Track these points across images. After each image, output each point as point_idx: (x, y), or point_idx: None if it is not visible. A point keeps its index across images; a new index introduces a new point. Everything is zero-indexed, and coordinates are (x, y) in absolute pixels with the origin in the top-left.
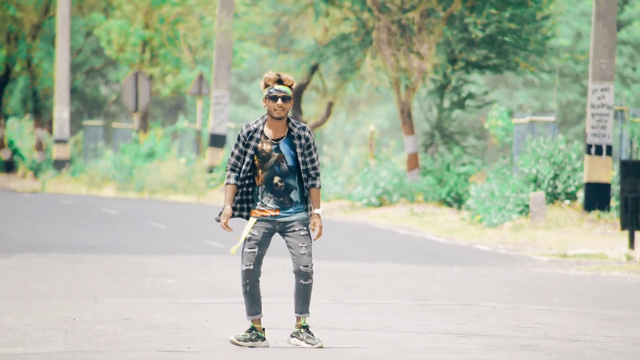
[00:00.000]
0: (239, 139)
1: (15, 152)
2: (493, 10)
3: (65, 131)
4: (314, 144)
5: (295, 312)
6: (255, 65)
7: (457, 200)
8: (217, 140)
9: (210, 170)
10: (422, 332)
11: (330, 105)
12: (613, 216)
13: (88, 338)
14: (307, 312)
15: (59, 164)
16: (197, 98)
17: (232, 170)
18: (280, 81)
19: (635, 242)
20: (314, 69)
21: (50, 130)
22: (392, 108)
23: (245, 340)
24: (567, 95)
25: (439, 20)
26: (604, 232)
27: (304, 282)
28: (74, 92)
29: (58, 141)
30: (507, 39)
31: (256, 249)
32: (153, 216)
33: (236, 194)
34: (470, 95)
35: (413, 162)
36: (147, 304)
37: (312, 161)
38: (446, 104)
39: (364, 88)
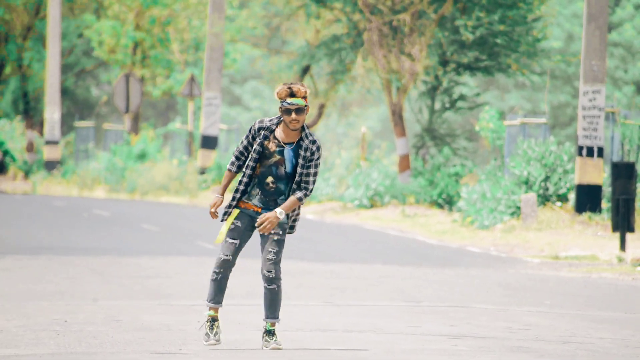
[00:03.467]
0: (249, 130)
1: (6, 153)
2: (483, 13)
3: (56, 132)
4: (317, 161)
5: (264, 317)
6: (247, 67)
7: (448, 202)
8: (209, 142)
9: (202, 172)
10: (414, 334)
11: (322, 106)
12: (604, 218)
13: (79, 340)
14: (274, 317)
15: (50, 165)
16: (188, 99)
17: (237, 158)
18: (292, 94)
19: (627, 244)
20: (305, 70)
21: (41, 132)
22: (384, 110)
23: (207, 335)
24: (558, 97)
25: (430, 22)
26: (596, 234)
27: (267, 287)
28: (65, 93)
29: (49, 142)
30: (498, 40)
31: (237, 241)
32: (145, 217)
33: (240, 185)
34: (462, 97)
35: (404, 163)
36: (138, 306)
37: (307, 175)
38: (437, 105)
39: (355, 90)
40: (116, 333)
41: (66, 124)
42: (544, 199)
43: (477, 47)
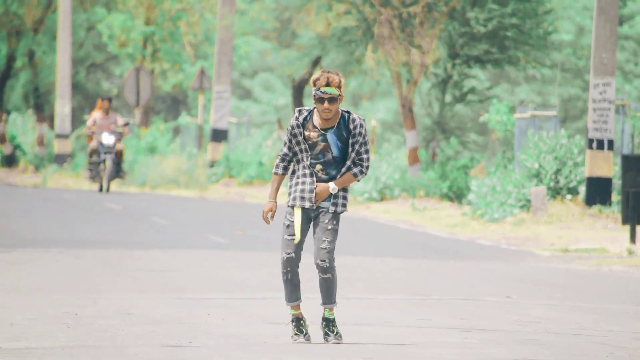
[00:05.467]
0: (287, 129)
1: (17, 147)
2: (495, 6)
3: (66, 126)
4: (364, 137)
5: (321, 303)
6: (257, 60)
7: (458, 195)
8: (219, 135)
9: (212, 165)
10: (423, 327)
11: None
12: (614, 211)
13: (90, 333)
14: (331, 302)
15: (61, 159)
16: (198, 93)
17: (282, 159)
18: (328, 83)
19: (637, 237)
20: (316, 63)
21: (52, 125)
22: (394, 103)
23: (298, 334)
24: (568, 90)
25: (440, 15)
26: (606, 227)
27: (321, 276)
28: (76, 87)
29: (59, 136)
30: (508, 33)
31: (295, 236)
32: (155, 211)
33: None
34: (472, 90)
35: (414, 157)
36: (149, 299)
37: (359, 153)
38: (447, 99)
39: (365, 82)
40: (127, 326)
41: (77, 118)
42: (554, 192)
43: (487, 40)
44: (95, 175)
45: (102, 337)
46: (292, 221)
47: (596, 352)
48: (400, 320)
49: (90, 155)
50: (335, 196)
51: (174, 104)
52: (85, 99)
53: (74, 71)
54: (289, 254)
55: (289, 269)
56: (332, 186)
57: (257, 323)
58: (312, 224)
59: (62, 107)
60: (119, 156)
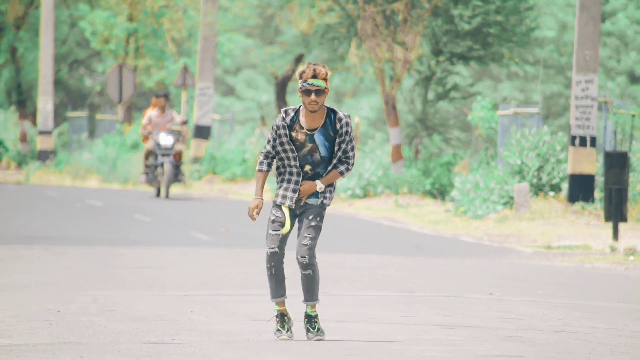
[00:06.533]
0: (272, 127)
1: None
2: (479, 2)
3: (49, 123)
4: (350, 135)
5: (303, 300)
6: (240, 57)
7: (441, 192)
8: (202, 132)
9: (195, 162)
10: (407, 324)
11: None
12: (597, 208)
13: (73, 330)
14: (312, 299)
15: (43, 156)
16: (181, 90)
17: (266, 156)
18: (314, 75)
19: (619, 234)
20: (299, 60)
21: (35, 122)
22: (377, 100)
23: (278, 330)
24: (551, 87)
25: (424, 12)
26: (588, 224)
27: (302, 272)
28: (58, 83)
29: (42, 132)
30: (491, 30)
31: (279, 231)
32: (137, 208)
33: (282, 181)
34: (455, 87)
35: (397, 153)
36: (132, 296)
37: (345, 151)
38: (430, 95)
39: (348, 79)
40: (110, 323)
41: (59, 115)
42: (537, 189)
43: (470, 36)
44: (152, 180)
45: (85, 333)
46: (278, 216)
47: (579, 348)
48: (383, 317)
49: (146, 157)
50: (318, 193)
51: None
52: (67, 95)
53: (56, 68)
54: (272, 248)
55: (273, 263)
56: (320, 185)
57: (240, 320)
58: (297, 219)
59: (45, 103)
60: (177, 158)
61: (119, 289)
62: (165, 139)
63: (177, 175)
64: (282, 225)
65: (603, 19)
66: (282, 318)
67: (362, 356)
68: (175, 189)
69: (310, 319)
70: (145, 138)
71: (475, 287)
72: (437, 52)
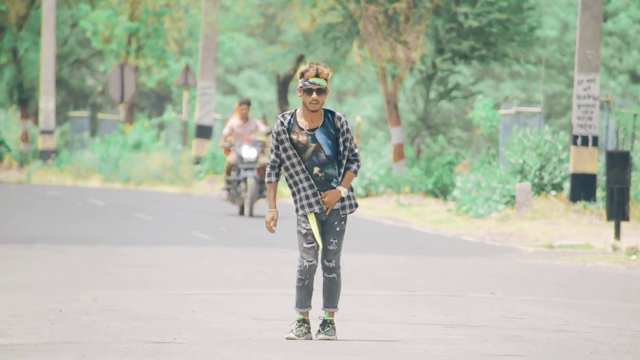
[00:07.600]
0: (272, 136)
1: (1, 143)
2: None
3: (51, 122)
4: (348, 132)
5: (322, 307)
6: (242, 56)
7: (443, 191)
8: (204, 131)
9: (197, 162)
10: (409, 323)
11: None
12: (599, 207)
13: (74, 329)
14: (333, 305)
15: (45, 155)
16: (183, 89)
17: (272, 167)
18: (317, 74)
19: (621, 233)
20: (300, 59)
21: (36, 122)
22: (379, 99)
23: (299, 335)
24: (553, 87)
25: (426, 11)
26: (590, 223)
27: (327, 275)
28: (60, 83)
29: (44, 132)
30: (494, 29)
31: (315, 243)
32: (139, 207)
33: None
34: (457, 86)
35: (399, 153)
36: (133, 295)
37: (352, 149)
38: (432, 95)
39: (350, 79)
40: (111, 322)
41: (61, 114)
42: (539, 188)
43: (473, 35)
44: (235, 196)
45: (86, 333)
46: (309, 229)
47: (580, 348)
48: (385, 316)
49: (228, 172)
50: (343, 198)
51: (159, 100)
52: (69, 95)
53: (58, 67)
54: (310, 261)
55: (307, 275)
56: (344, 190)
57: (241, 319)
58: (321, 224)
59: (47, 103)
60: (262, 173)
61: (120, 288)
62: (249, 152)
63: (262, 192)
64: (313, 236)
65: (605, 19)
66: (303, 323)
67: (364, 355)
68: (175, 188)
69: (325, 324)
70: (227, 150)
71: (477, 286)
72: (439, 51)
